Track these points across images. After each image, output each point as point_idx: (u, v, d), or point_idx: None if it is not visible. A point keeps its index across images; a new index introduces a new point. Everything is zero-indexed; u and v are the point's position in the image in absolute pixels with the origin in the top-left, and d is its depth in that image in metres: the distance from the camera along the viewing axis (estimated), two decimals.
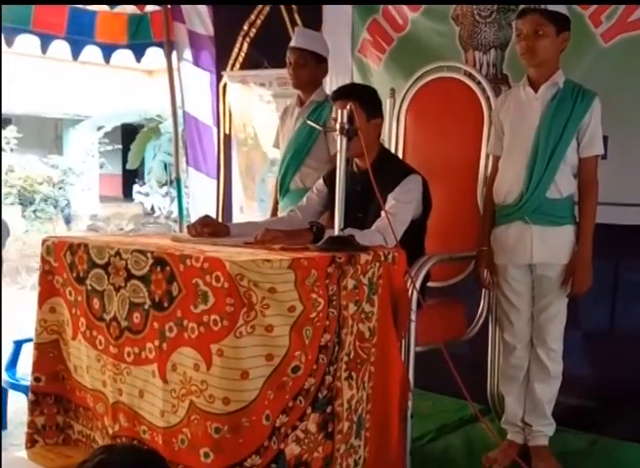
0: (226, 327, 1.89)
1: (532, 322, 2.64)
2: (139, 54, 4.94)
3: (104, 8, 4.54)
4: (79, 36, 4.53)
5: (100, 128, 14.96)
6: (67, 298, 2.39)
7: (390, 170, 2.57)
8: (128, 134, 15.82)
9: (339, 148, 2.25)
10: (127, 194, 17.90)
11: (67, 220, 14.27)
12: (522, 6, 2.54)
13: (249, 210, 4.46)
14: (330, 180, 2.74)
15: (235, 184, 4.54)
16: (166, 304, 2.05)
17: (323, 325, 2.05)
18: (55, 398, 2.48)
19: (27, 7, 4.27)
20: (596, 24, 2.91)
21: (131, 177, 17.27)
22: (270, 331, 1.93)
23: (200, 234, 2.51)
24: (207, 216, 2.60)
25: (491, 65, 3.26)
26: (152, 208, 15.67)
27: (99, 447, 1.96)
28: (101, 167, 16.18)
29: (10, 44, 4.30)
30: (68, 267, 2.37)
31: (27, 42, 4.38)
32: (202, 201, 4.97)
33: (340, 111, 2.24)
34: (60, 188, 14.13)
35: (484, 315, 2.89)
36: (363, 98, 2.55)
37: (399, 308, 2.28)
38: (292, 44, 3.23)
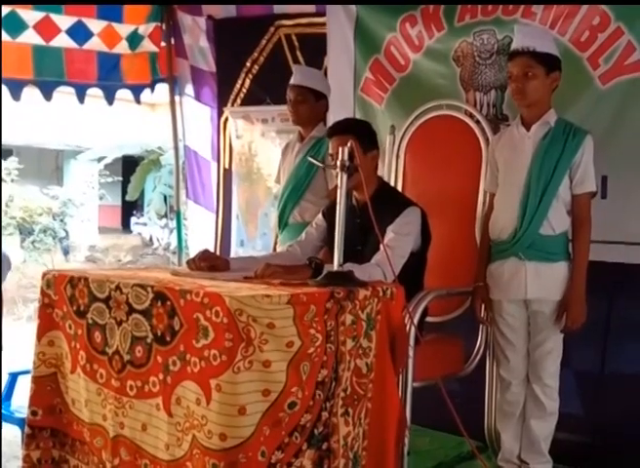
0: (225, 362, 1.90)
1: (528, 358, 2.65)
2: (153, 90, 4.98)
3: (127, 50, 4.57)
4: (110, 81, 4.56)
5: (100, 159, 15.03)
6: (67, 332, 2.40)
7: (389, 202, 2.61)
8: (128, 165, 15.89)
9: (339, 185, 2.28)
10: (125, 225, 17.95)
11: (66, 251, 14.27)
12: (512, 49, 2.60)
13: (250, 243, 4.49)
14: (329, 215, 2.77)
15: (234, 218, 4.56)
16: (168, 338, 2.07)
17: (321, 360, 2.06)
18: (51, 432, 2.47)
19: (58, 57, 4.32)
20: (594, 67, 2.98)
21: (130, 209, 17.33)
22: (268, 367, 1.94)
23: (199, 268, 2.53)
24: (206, 251, 2.63)
25: (491, 106, 3.32)
26: (151, 239, 15.69)
27: None
28: (101, 198, 16.23)
29: (48, 98, 4.36)
30: (68, 301, 2.38)
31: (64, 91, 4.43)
32: (200, 234, 4.99)
33: (340, 148, 2.28)
34: (60, 219, 14.16)
35: (481, 351, 2.90)
36: (359, 133, 2.59)
37: (397, 344, 2.29)
38: (291, 81, 3.30)
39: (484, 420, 2.98)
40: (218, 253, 4.61)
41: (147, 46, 4.69)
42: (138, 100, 4.83)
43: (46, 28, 4.20)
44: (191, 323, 2.00)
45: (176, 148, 5.01)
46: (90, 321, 2.31)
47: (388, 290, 2.28)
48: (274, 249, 3.50)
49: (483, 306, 2.75)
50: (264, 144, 4.36)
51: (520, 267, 2.58)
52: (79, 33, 4.34)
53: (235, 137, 4.50)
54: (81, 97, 4.54)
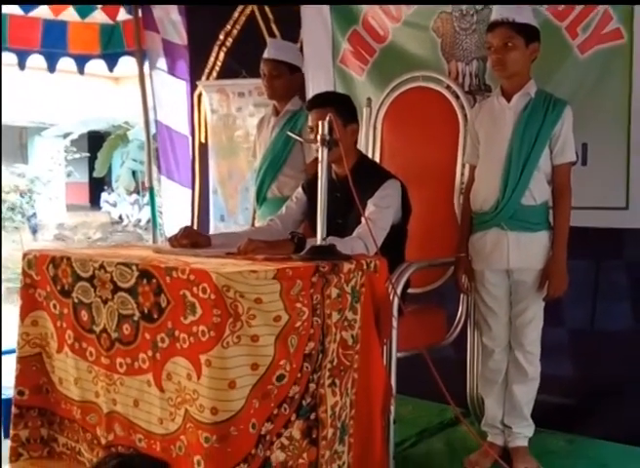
0: (213, 337, 1.91)
1: (509, 326, 2.70)
2: (111, 63, 4.96)
3: (76, 18, 4.53)
4: (53, 49, 4.52)
5: (66, 135, 14.83)
6: (51, 311, 2.39)
7: (369, 175, 2.61)
8: (95, 141, 15.71)
9: (320, 159, 2.28)
10: (94, 202, 17.77)
11: (34, 230, 14.12)
12: (491, 20, 2.60)
13: (231, 218, 4.48)
14: (309, 189, 2.78)
15: (212, 193, 4.54)
16: (156, 316, 2.07)
17: (307, 333, 2.08)
18: (38, 411, 2.47)
19: (4, 26, 4.30)
20: (573, 36, 2.99)
21: (98, 186, 17.15)
22: (256, 341, 1.96)
23: (182, 245, 2.52)
24: (188, 228, 2.62)
25: (473, 76, 3.32)
26: (120, 216, 15.57)
27: (107, 454, 1.99)
28: (69, 175, 16.05)
29: None
30: (52, 280, 2.37)
31: (5, 59, 4.38)
32: (175, 210, 4.97)
33: (320, 122, 2.28)
34: (28, 197, 13.97)
35: (463, 320, 2.94)
36: (338, 106, 2.58)
37: (381, 315, 2.31)
38: (265, 55, 3.26)
39: (466, 387, 3.04)
40: (195, 228, 4.60)
41: (99, 17, 4.65)
42: (81, 71, 4.79)
43: None
44: (178, 300, 2.01)
45: (146, 123, 4.96)
46: (75, 300, 2.30)
47: (372, 262, 2.29)
48: (253, 224, 3.49)
49: (465, 276, 2.78)
50: (242, 118, 4.33)
51: (502, 237, 2.61)
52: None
53: (210, 111, 4.46)
54: (22, 64, 4.51)
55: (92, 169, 15.29)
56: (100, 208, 16.57)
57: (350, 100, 2.74)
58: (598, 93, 2.95)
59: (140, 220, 14.56)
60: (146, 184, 5.16)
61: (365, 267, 2.26)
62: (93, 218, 15.66)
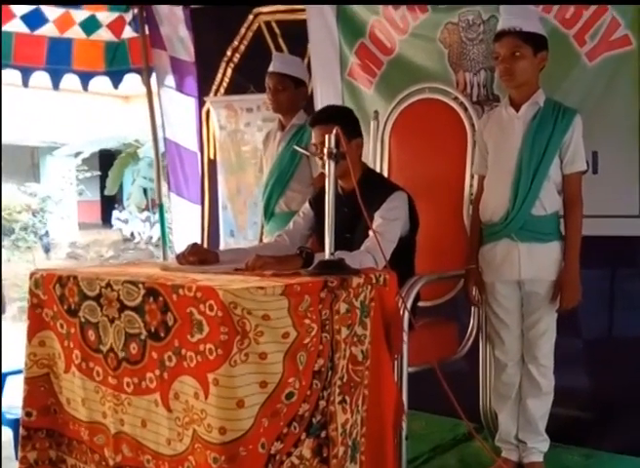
0: (221, 356, 1.89)
1: (522, 338, 2.66)
2: (116, 80, 4.94)
3: (81, 36, 4.55)
4: (58, 65, 4.54)
5: (77, 154, 14.90)
6: (58, 331, 2.37)
7: (375, 188, 2.59)
8: (106, 159, 15.76)
9: (327, 173, 2.26)
10: (106, 220, 17.81)
11: (47, 249, 14.16)
12: (498, 29, 2.58)
13: (241, 233, 4.47)
14: (316, 204, 2.76)
15: (222, 209, 4.53)
16: (162, 334, 2.05)
17: (317, 350, 2.05)
18: (47, 432, 2.44)
19: (7, 41, 4.31)
20: (581, 44, 2.97)
21: (109, 204, 17.20)
22: (264, 359, 1.93)
23: (189, 262, 2.50)
24: (196, 244, 2.60)
25: (481, 86, 3.31)
26: (132, 233, 15.60)
27: None
28: (80, 194, 16.12)
29: None
30: (58, 300, 2.35)
31: (9, 76, 4.41)
32: (185, 226, 4.96)
33: (327, 136, 2.26)
34: (40, 216, 14.04)
35: (474, 333, 2.90)
36: (342, 120, 2.56)
37: (391, 330, 2.28)
38: (270, 69, 3.27)
39: (479, 402, 2.99)
40: (205, 244, 4.60)
41: (104, 34, 4.65)
42: (85, 87, 4.79)
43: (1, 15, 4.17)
44: (185, 318, 1.98)
45: (155, 140, 4.96)
46: (82, 319, 2.28)
47: (381, 276, 2.27)
48: (260, 239, 3.47)
49: (476, 288, 2.74)
50: (250, 133, 4.33)
51: (513, 248, 2.58)
52: (34, 19, 4.31)
53: (218, 127, 4.46)
54: (26, 81, 4.51)
55: (103, 187, 15.33)
56: (111, 226, 16.61)
57: (353, 114, 2.72)
58: (608, 100, 2.93)
59: (151, 238, 14.56)
60: (156, 201, 5.15)
61: (374, 281, 2.24)
62: (105, 236, 15.69)
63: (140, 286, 2.10)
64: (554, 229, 2.58)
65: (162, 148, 5.08)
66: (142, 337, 2.11)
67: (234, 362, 1.89)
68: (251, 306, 1.90)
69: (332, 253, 2.24)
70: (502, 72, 2.55)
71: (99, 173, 16.15)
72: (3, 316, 8.07)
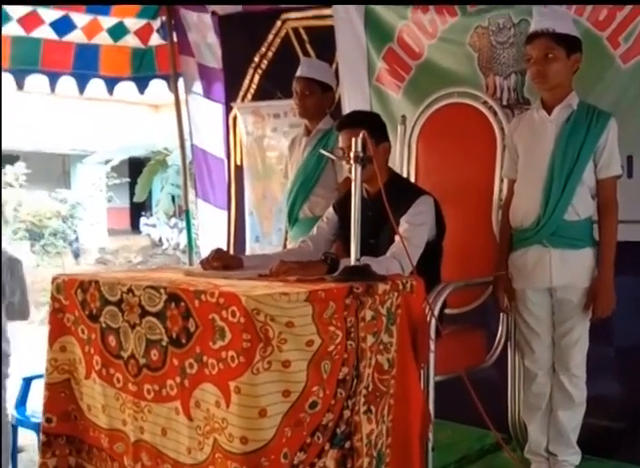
0: (243, 363, 1.85)
1: (553, 347, 2.59)
2: (142, 86, 4.97)
3: (108, 41, 4.57)
4: (84, 70, 4.57)
5: (107, 162, 15.04)
6: (80, 336, 2.35)
7: (401, 193, 2.54)
8: (135, 167, 15.89)
9: (353, 177, 2.21)
10: (135, 227, 17.95)
11: (76, 254, 14.29)
12: (531, 31, 2.52)
13: (266, 239, 4.45)
14: (340, 209, 2.72)
15: (248, 215, 4.51)
16: (184, 341, 2.01)
17: (341, 358, 2.00)
18: (67, 439, 2.41)
19: (35, 48, 4.35)
20: (615, 46, 2.90)
21: (138, 210, 17.33)
22: (287, 367, 1.88)
23: (213, 268, 2.47)
24: (219, 250, 2.56)
25: (512, 90, 3.25)
26: (160, 239, 15.69)
27: None
28: (109, 200, 16.25)
29: (21, 86, 4.40)
30: (80, 305, 2.32)
31: (37, 81, 4.46)
32: (211, 232, 4.95)
33: (353, 140, 2.21)
34: (70, 222, 14.17)
35: (503, 341, 2.83)
36: (370, 125, 2.51)
37: (418, 338, 2.23)
38: (297, 73, 3.25)
39: (507, 412, 2.92)
40: (231, 250, 4.60)
41: (131, 41, 4.67)
42: (110, 92, 4.80)
43: (30, 21, 4.23)
44: (207, 324, 1.94)
45: (182, 147, 4.96)
46: (103, 325, 2.26)
47: (408, 283, 2.21)
48: (284, 245, 3.44)
49: (505, 296, 2.67)
50: (277, 139, 4.30)
51: (545, 255, 2.51)
52: (62, 26, 4.35)
53: (245, 134, 4.44)
54: (53, 85, 4.54)
55: (132, 194, 15.46)
56: (140, 232, 16.73)
57: (380, 119, 2.68)
58: None
59: (179, 244, 14.63)
60: (183, 208, 5.16)
61: (401, 288, 2.18)
62: (133, 242, 15.80)
63: (162, 291, 2.06)
64: (587, 235, 2.51)
65: (190, 155, 5.08)
66: (164, 344, 2.08)
67: (257, 370, 1.84)
68: (274, 312, 1.86)
69: (357, 259, 2.19)
70: (535, 74, 2.48)
71: (128, 180, 16.27)
72: (30, 320, 8.11)
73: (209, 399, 1.94)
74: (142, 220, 16.50)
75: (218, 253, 2.53)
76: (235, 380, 1.86)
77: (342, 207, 2.69)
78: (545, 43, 2.45)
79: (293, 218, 3.26)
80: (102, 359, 2.27)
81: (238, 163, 4.62)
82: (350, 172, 2.29)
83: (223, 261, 2.51)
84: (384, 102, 3.66)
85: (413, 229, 2.46)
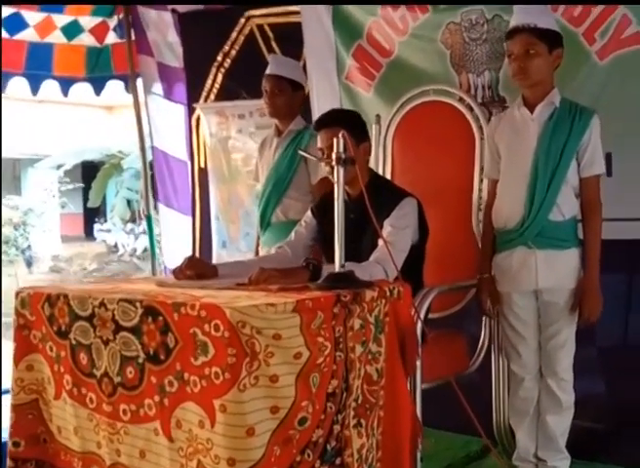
0: (229, 380, 1.74)
1: (539, 351, 2.53)
2: (98, 87, 4.78)
3: (62, 40, 4.38)
4: (37, 71, 4.38)
5: (59, 166, 14.69)
6: (48, 354, 2.20)
7: (384, 194, 2.46)
8: (89, 171, 15.58)
9: (336, 179, 2.11)
10: (89, 233, 17.61)
11: (29, 263, 13.93)
12: (511, 26, 2.45)
13: (233, 244, 4.31)
14: (319, 212, 2.63)
15: (214, 219, 4.37)
16: (163, 357, 1.89)
17: (330, 370, 1.91)
18: (36, 463, 2.26)
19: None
20: (590, 42, 2.86)
21: (92, 216, 17.01)
22: (275, 382, 1.79)
23: (187, 277, 2.35)
24: (193, 257, 2.46)
25: (486, 88, 3.18)
26: (116, 245, 15.41)
27: None
28: (63, 206, 15.90)
29: None
30: (47, 320, 2.18)
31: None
32: (175, 238, 4.80)
33: (335, 140, 2.11)
34: (22, 230, 13.81)
35: (486, 345, 2.76)
36: (350, 124, 2.42)
37: (407, 346, 2.14)
38: (267, 72, 3.14)
39: (491, 418, 2.85)
40: (197, 256, 4.45)
41: (86, 39, 4.49)
42: (65, 94, 4.62)
43: None
44: (188, 339, 1.83)
45: (142, 150, 4.79)
46: (73, 341, 2.12)
47: (395, 289, 2.12)
48: (256, 251, 3.32)
49: (489, 299, 2.60)
50: (242, 141, 4.18)
51: (530, 256, 2.45)
52: (14, 24, 4.15)
53: (209, 135, 4.30)
54: (3, 87, 4.33)
55: (86, 199, 15.15)
56: (94, 238, 16.40)
57: (360, 118, 2.59)
58: (621, 99, 2.80)
59: (135, 250, 14.39)
60: (144, 213, 4.99)
61: (388, 294, 2.09)
62: (88, 249, 15.47)
63: (138, 304, 1.94)
64: (572, 235, 2.46)
65: (149, 158, 4.91)
66: (140, 361, 1.96)
67: (243, 386, 1.74)
68: (260, 325, 1.76)
69: (342, 265, 2.09)
70: (516, 71, 2.41)
71: (81, 185, 15.94)
72: None
73: (191, 418, 1.83)
74: (97, 226, 16.18)
75: (191, 262, 2.41)
76: (220, 398, 1.75)
77: (321, 210, 2.60)
78: (527, 38, 2.38)
79: (265, 223, 3.15)
80: (73, 378, 2.14)
81: (202, 165, 4.47)
82: (332, 173, 2.20)
83: (198, 270, 2.39)
84: (355, 101, 3.57)
85: (397, 233, 2.37)
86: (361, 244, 2.46)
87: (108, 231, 15.69)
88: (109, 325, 2.01)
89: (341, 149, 2.10)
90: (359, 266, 2.21)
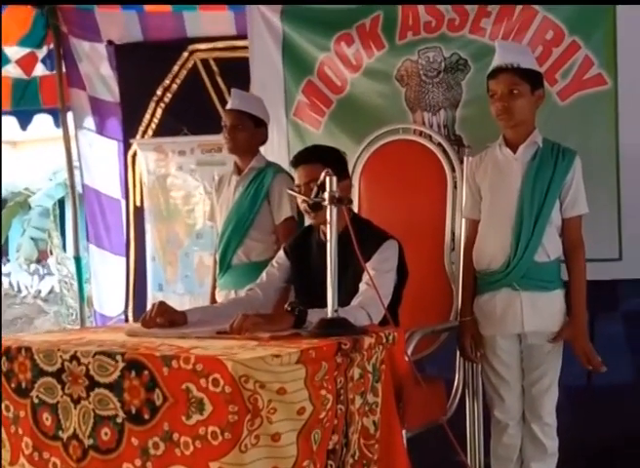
0: (229, 440, 1.58)
1: (523, 396, 2.45)
2: (24, 121, 4.54)
3: None
4: None
5: None
6: (4, 414, 1.96)
7: (365, 236, 2.33)
8: None
9: (329, 219, 1.99)
10: None
11: None
12: (494, 66, 2.42)
13: (170, 287, 4.07)
14: (292, 253, 2.50)
15: (150, 260, 4.14)
16: (147, 416, 1.70)
17: (331, 425, 1.77)
18: None
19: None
20: (552, 83, 2.88)
21: None
22: (277, 441, 1.63)
23: (158, 325, 2.16)
24: (162, 304, 2.25)
25: (442, 126, 3.15)
26: (18, 287, 14.64)
27: None
28: None
29: None
30: (4, 377, 1.94)
31: None
32: (106, 281, 4.53)
33: (328, 178, 1.99)
34: None
35: (460, 391, 2.66)
36: (330, 161, 2.31)
37: (404, 395, 2.03)
38: (228, 106, 3.02)
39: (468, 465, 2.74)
40: (131, 299, 4.20)
41: (13, 71, 4.27)
42: None
43: None
44: (179, 395, 1.66)
45: (72, 187, 4.52)
46: (35, 400, 1.89)
47: (390, 335, 2.01)
48: (212, 294, 3.12)
49: (472, 343, 2.52)
50: (182, 178, 3.99)
51: (515, 298, 2.39)
52: None
53: (146, 172, 4.09)
54: None
55: None
56: None
57: (340, 154, 2.49)
58: (583, 141, 2.82)
59: (40, 291, 13.71)
60: (47, 253, 4.71)
61: (384, 341, 1.97)
62: None
63: (119, 358, 1.74)
64: (557, 276, 2.42)
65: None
66: (118, 420, 1.76)
67: (245, 446, 1.59)
68: (265, 379, 1.60)
69: (335, 310, 1.96)
70: (500, 111, 2.37)
71: None
72: None
73: None
74: None
75: (160, 308, 2.22)
76: (219, 460, 1.60)
77: (295, 251, 2.47)
78: (510, 78, 2.35)
79: (225, 265, 2.96)
80: (34, 441, 1.91)
81: (138, 204, 4.25)
82: (310, 212, 2.19)
83: (168, 317, 2.21)
84: (302, 137, 3.48)
85: (380, 277, 2.25)
86: (340, 285, 2.33)
87: (8, 275, 14.89)
88: (82, 381, 1.80)
89: (335, 188, 1.98)
90: (343, 310, 2.07)
